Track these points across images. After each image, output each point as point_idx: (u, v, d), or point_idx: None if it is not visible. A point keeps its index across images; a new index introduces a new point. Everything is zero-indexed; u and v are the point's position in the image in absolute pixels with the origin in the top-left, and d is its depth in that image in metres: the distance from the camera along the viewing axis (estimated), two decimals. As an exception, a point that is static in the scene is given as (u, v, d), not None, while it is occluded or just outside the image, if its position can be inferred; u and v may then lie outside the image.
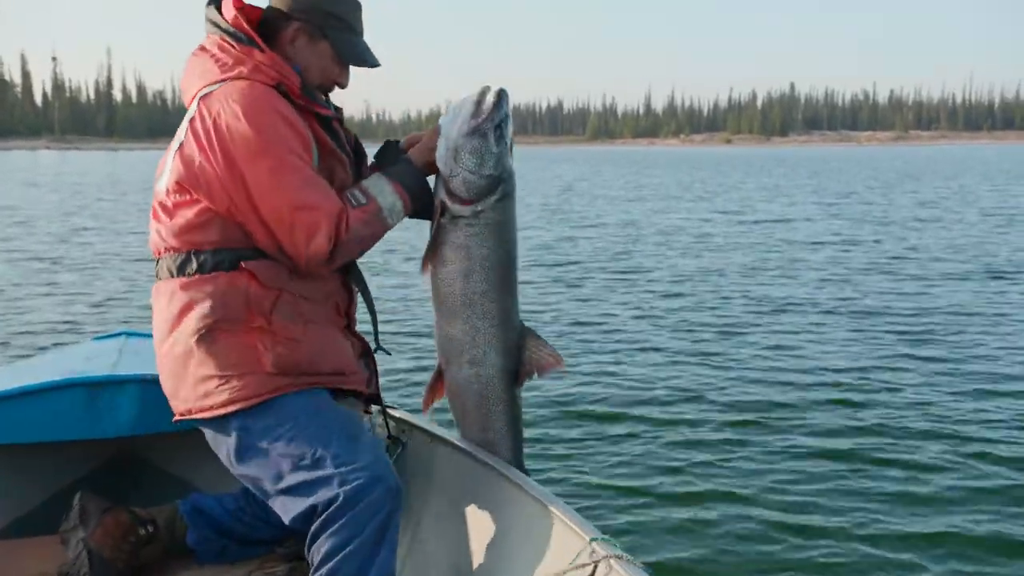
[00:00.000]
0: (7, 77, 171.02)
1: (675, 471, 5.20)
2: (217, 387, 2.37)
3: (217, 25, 2.45)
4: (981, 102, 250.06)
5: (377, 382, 2.74)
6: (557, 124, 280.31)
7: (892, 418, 6.02)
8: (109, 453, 3.76)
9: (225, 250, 2.38)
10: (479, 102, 2.52)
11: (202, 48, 2.47)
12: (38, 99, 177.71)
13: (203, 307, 2.36)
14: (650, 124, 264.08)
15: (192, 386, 2.40)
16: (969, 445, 5.49)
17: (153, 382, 3.14)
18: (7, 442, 3.23)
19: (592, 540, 2.22)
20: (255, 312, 2.37)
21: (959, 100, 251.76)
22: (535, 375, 2.70)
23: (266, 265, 2.38)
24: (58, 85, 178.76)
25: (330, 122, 2.53)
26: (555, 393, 6.66)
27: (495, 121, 2.51)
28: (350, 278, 2.64)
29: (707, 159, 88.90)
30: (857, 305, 10.04)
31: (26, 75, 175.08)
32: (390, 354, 2.77)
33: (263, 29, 2.47)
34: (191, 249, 2.39)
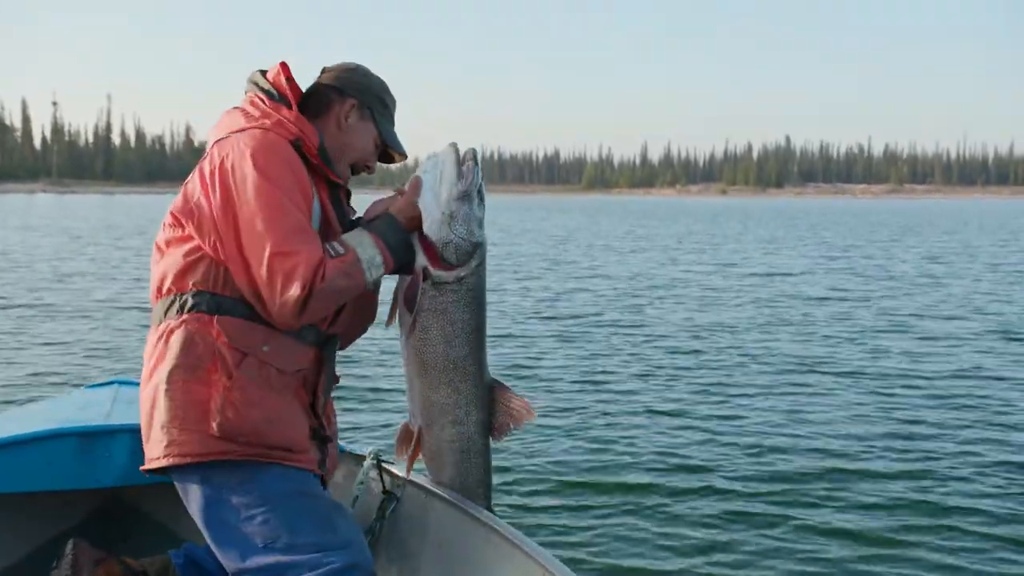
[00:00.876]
0: (8, 121, 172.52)
1: (679, 540, 4.98)
2: (164, 437, 2.36)
3: (256, 84, 2.55)
4: (975, 157, 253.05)
5: (330, 466, 2.69)
6: (554, 173, 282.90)
7: (909, 491, 5.64)
8: (101, 502, 3.74)
9: (206, 293, 2.38)
10: (459, 163, 2.55)
11: (235, 106, 2.56)
12: (37, 143, 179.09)
13: (173, 351, 2.36)
14: (646, 174, 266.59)
15: (152, 435, 2.40)
16: (996, 524, 5.15)
17: None
18: None
19: None
20: (219, 365, 2.34)
21: (953, 155, 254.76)
22: (511, 428, 2.76)
23: (239, 325, 2.37)
24: (57, 129, 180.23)
25: (338, 192, 2.59)
26: (555, 455, 6.47)
27: (477, 184, 2.56)
28: (324, 353, 2.57)
29: (706, 210, 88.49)
30: (870, 367, 9.54)
31: (26, 119, 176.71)
32: (330, 440, 2.66)
33: (309, 102, 2.57)
34: (177, 292, 2.41)
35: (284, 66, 2.53)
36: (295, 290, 2.26)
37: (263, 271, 2.28)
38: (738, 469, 6.11)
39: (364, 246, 2.40)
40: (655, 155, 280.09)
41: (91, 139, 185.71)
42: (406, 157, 2.76)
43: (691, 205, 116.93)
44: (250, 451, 2.34)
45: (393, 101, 2.70)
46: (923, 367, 9.52)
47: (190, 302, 2.37)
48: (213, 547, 2.41)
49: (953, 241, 34.27)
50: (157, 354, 2.39)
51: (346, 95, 2.59)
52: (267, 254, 2.27)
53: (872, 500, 5.50)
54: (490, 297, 2.73)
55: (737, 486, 5.77)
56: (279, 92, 2.49)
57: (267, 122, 2.43)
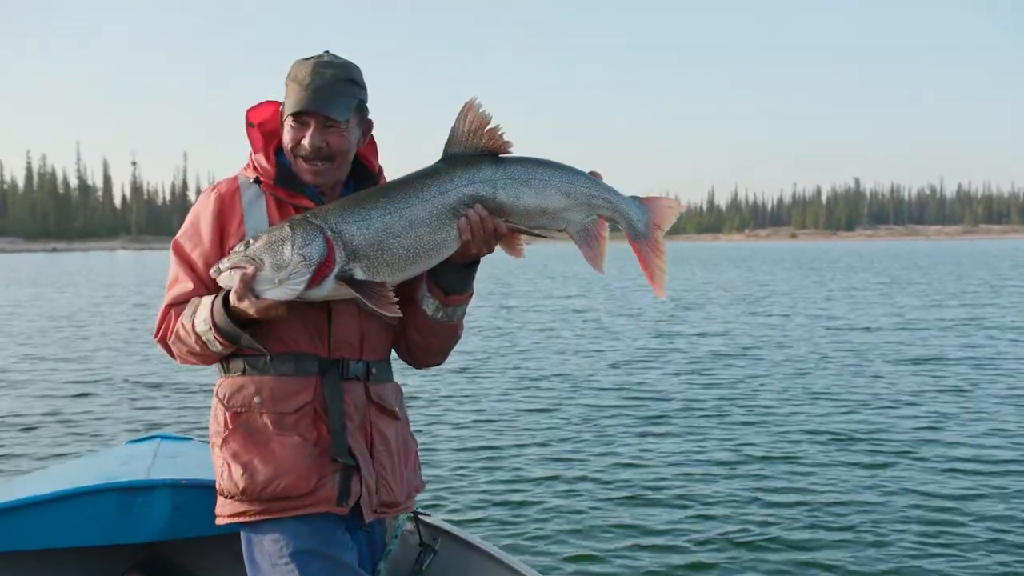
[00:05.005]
0: (90, 182, 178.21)
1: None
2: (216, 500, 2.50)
3: None
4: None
5: (357, 497, 2.46)
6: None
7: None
8: (141, 557, 3.76)
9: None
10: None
11: None
12: (118, 202, 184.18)
13: (211, 420, 2.53)
14: (714, 219, 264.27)
15: None
16: None
17: (186, 487, 3.26)
18: (41, 547, 3.24)
19: None
20: (222, 428, 2.45)
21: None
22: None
23: (234, 385, 2.45)
24: (136, 188, 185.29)
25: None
26: (604, 500, 6.52)
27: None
28: (327, 380, 2.44)
29: (798, 255, 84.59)
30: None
31: (107, 179, 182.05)
32: (352, 464, 2.44)
33: None
34: None
35: (248, 112, 2.55)
36: (155, 331, 2.52)
37: None
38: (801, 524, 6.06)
39: (200, 321, 2.37)
40: (722, 200, 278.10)
41: (168, 197, 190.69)
42: (312, 110, 2.39)
43: (770, 250, 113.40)
44: (254, 508, 2.38)
45: (301, 67, 2.43)
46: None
47: (219, 363, 2.51)
48: None
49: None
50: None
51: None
52: None
53: None
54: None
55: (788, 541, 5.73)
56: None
57: (246, 165, 2.56)
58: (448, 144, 2.37)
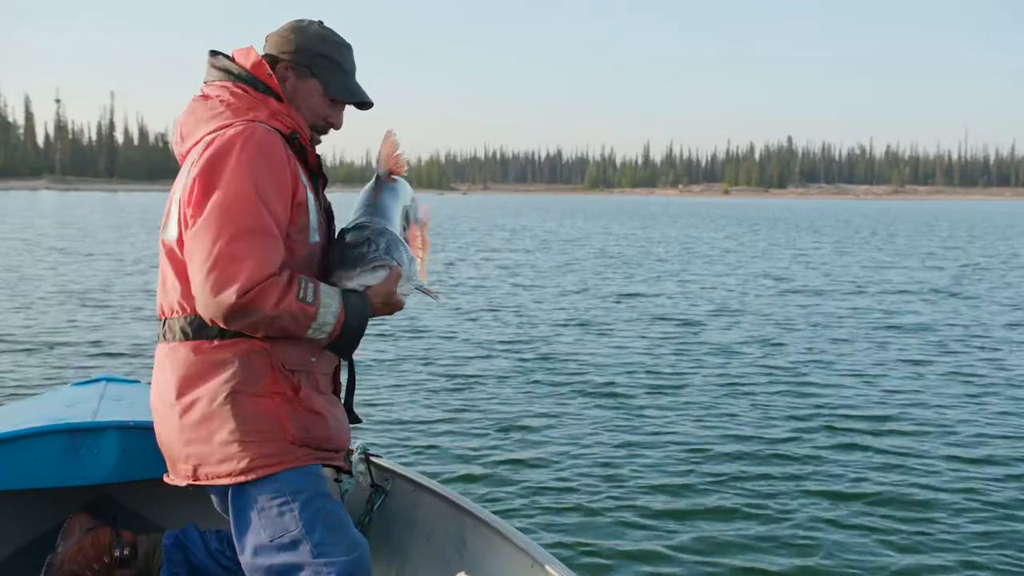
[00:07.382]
0: (11, 118, 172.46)
1: (666, 533, 5.04)
2: (240, 451, 2.25)
3: (230, 72, 2.39)
4: (976, 158, 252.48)
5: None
6: (556, 173, 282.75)
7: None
8: (88, 500, 3.70)
9: None
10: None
11: (205, 96, 2.38)
12: (40, 140, 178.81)
13: (226, 371, 2.25)
14: (648, 174, 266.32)
15: (213, 451, 2.27)
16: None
17: (133, 429, 3.22)
18: None
19: None
20: (278, 379, 2.28)
21: (955, 156, 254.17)
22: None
23: (289, 348, 2.30)
24: (60, 126, 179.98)
25: (317, 182, 2.46)
26: (549, 445, 6.54)
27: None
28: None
29: (739, 212, 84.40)
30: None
31: (29, 116, 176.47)
32: (361, 421, 2.68)
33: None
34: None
35: (258, 59, 2.40)
36: (229, 296, 2.10)
37: (207, 262, 2.11)
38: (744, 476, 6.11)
39: (327, 312, 2.23)
40: (657, 155, 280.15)
41: (94, 136, 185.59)
42: (370, 102, 2.57)
43: (704, 205, 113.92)
44: (322, 455, 2.37)
45: (339, 47, 2.49)
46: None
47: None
48: (235, 540, 2.37)
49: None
50: (193, 373, 2.28)
51: (278, 60, 2.42)
52: (217, 247, 2.11)
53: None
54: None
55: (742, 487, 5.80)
56: (264, 83, 2.37)
57: (259, 115, 2.31)
58: (378, 161, 2.76)
